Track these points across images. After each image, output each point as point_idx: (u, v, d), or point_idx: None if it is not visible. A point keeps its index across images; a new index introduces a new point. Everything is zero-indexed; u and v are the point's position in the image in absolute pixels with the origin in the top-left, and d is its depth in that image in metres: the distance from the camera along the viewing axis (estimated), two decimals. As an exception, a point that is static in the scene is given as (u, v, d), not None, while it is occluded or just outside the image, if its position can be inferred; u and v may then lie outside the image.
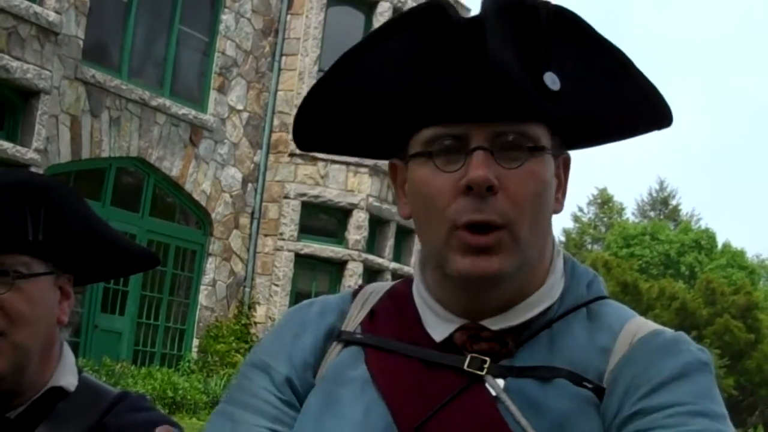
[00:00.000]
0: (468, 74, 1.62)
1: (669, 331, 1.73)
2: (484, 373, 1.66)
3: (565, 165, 1.81)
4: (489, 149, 1.62)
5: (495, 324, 1.70)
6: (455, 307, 1.73)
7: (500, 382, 1.65)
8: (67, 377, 2.21)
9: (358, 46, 1.79)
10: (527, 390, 1.64)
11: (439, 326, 1.74)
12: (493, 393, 1.64)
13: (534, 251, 1.70)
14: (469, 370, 1.67)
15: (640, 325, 1.72)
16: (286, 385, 1.78)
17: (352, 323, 1.84)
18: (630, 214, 69.58)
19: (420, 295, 1.80)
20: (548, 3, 1.71)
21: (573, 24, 1.71)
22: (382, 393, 1.69)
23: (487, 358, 1.67)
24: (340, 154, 2.02)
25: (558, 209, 1.79)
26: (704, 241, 61.35)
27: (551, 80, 1.66)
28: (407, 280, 1.89)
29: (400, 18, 1.73)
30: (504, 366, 1.67)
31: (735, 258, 61.29)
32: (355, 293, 1.92)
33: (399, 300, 1.84)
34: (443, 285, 1.75)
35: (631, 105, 1.78)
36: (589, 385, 1.63)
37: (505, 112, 1.63)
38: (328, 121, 1.85)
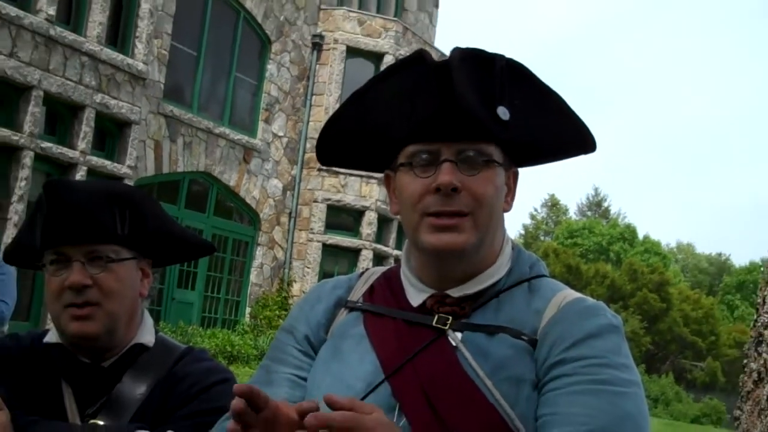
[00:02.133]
0: (439, 106, 1.75)
1: (590, 300, 1.84)
2: (447, 328, 1.79)
3: (514, 177, 1.91)
4: (454, 161, 1.77)
5: (456, 293, 1.84)
6: (428, 279, 1.87)
7: (458, 335, 1.79)
8: (147, 336, 2.31)
9: (361, 88, 1.92)
10: (477, 341, 1.77)
11: (416, 295, 1.88)
12: (453, 343, 1.77)
13: (488, 235, 1.83)
14: (437, 326, 1.80)
15: (568, 294, 1.85)
16: (305, 341, 1.94)
17: (356, 295, 1.98)
18: (572, 214, 72.92)
19: (404, 274, 1.93)
20: (503, 56, 1.84)
21: (521, 72, 1.84)
22: (373, 345, 1.83)
23: (450, 318, 1.80)
24: (348, 168, 2.10)
25: (507, 209, 1.90)
26: (627, 234, 62.44)
27: (503, 112, 1.79)
28: (398, 265, 1.99)
29: (392, 66, 1.86)
30: (462, 323, 1.80)
31: (652, 246, 62.75)
32: (362, 274, 2.06)
33: (390, 278, 1.96)
34: (419, 260, 1.89)
35: (563, 135, 1.90)
36: (525, 338, 1.75)
37: (467, 134, 1.77)
38: (340, 143, 1.97)
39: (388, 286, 1.95)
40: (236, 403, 1.50)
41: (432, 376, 1.74)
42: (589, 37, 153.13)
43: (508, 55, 1.85)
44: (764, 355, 1.87)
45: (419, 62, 1.82)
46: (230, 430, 1.52)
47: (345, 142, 1.96)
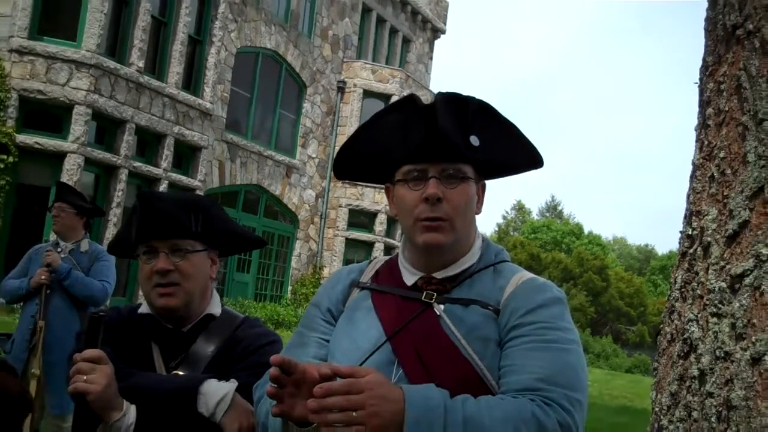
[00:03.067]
0: (426, 135, 1.74)
1: (541, 279, 1.83)
2: (432, 301, 1.77)
3: (482, 188, 1.88)
4: (438, 177, 1.75)
5: (439, 275, 1.82)
6: (418, 265, 1.85)
7: (441, 306, 1.76)
8: (215, 308, 2.29)
9: (368, 121, 1.88)
10: (455, 311, 1.75)
11: (409, 277, 1.85)
12: (437, 313, 1.75)
13: (463, 234, 1.81)
14: (425, 300, 1.78)
15: (524, 274, 1.84)
16: (328, 313, 1.91)
17: (366, 277, 1.95)
18: (535, 215, 71.31)
19: (401, 261, 1.90)
20: (474, 97, 1.82)
21: (488, 110, 1.83)
22: (378, 315, 1.82)
23: (435, 294, 1.78)
24: (357, 181, 2.02)
25: (478, 212, 1.86)
26: (576, 230, 61.57)
27: (474, 140, 1.77)
28: (396, 255, 1.96)
29: (391, 104, 1.82)
30: (444, 298, 1.78)
31: (594, 239, 62.01)
32: (370, 262, 2.02)
33: (391, 264, 1.93)
34: (413, 252, 1.86)
35: (519, 156, 1.88)
36: (491, 308, 1.74)
37: (447, 156, 1.75)
38: (352, 163, 1.93)
39: (390, 270, 1.93)
40: (273, 370, 1.55)
41: (421, 338, 1.74)
42: (550, 78, 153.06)
43: (478, 97, 1.84)
44: (675, 321, 1.88)
45: (411, 103, 1.81)
46: (269, 392, 1.57)
47: (355, 162, 1.94)
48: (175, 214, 2.18)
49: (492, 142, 1.82)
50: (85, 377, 1.90)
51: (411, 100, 1.82)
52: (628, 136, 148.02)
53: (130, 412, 1.98)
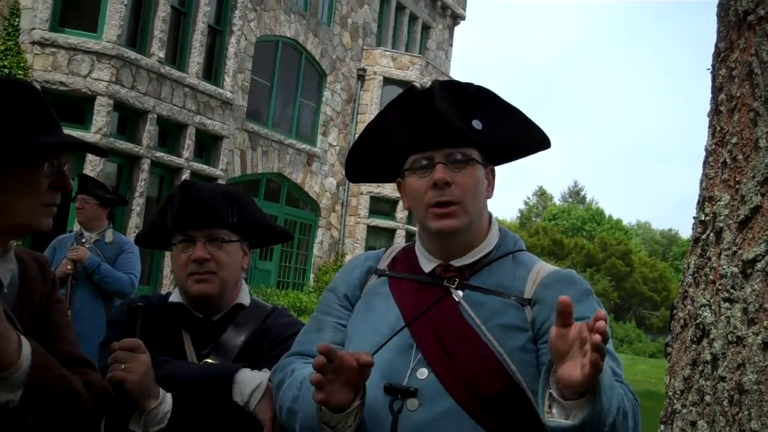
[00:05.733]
0: (427, 122, 1.76)
1: (564, 270, 1.83)
2: (453, 287, 1.79)
3: (492, 172, 1.88)
4: (444, 163, 1.76)
5: (457, 263, 1.83)
6: (435, 253, 1.86)
7: (460, 293, 1.78)
8: (245, 298, 2.30)
9: (372, 121, 1.90)
10: (475, 297, 1.77)
11: (427, 264, 1.87)
12: (456, 299, 1.77)
13: (475, 217, 1.81)
14: (445, 285, 1.80)
15: (543, 265, 1.84)
16: (345, 298, 1.93)
17: (383, 264, 1.96)
18: (557, 200, 72.12)
19: (418, 248, 1.91)
20: (472, 83, 1.83)
21: (487, 94, 1.83)
22: (396, 300, 1.83)
23: (455, 280, 1.80)
24: (369, 182, 2.03)
25: (489, 196, 1.86)
26: (597, 216, 61.36)
27: (477, 124, 1.78)
28: (413, 242, 1.96)
29: (392, 101, 1.87)
30: (462, 284, 1.79)
31: (616, 224, 61.62)
32: (386, 249, 2.03)
33: (408, 252, 1.95)
34: (429, 240, 1.87)
35: (524, 137, 1.88)
36: (513, 298, 1.75)
37: (451, 141, 1.77)
38: (361, 163, 1.96)
39: (407, 257, 1.94)
40: (319, 359, 1.56)
41: (441, 322, 1.74)
42: (570, 64, 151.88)
43: (477, 83, 1.85)
44: (688, 306, 1.89)
45: (410, 94, 1.83)
46: (315, 380, 1.58)
47: (365, 163, 1.96)
48: (213, 204, 2.20)
49: (495, 126, 1.82)
50: (123, 366, 1.92)
51: (409, 90, 1.84)
52: (651, 121, 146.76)
53: (166, 400, 2.00)
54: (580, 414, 1.43)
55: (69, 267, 5.31)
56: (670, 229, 78.88)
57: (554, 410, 1.48)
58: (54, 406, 1.54)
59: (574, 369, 1.42)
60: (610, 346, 1.66)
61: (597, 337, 1.37)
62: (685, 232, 79.26)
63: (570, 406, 1.45)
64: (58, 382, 1.56)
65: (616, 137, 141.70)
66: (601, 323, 1.38)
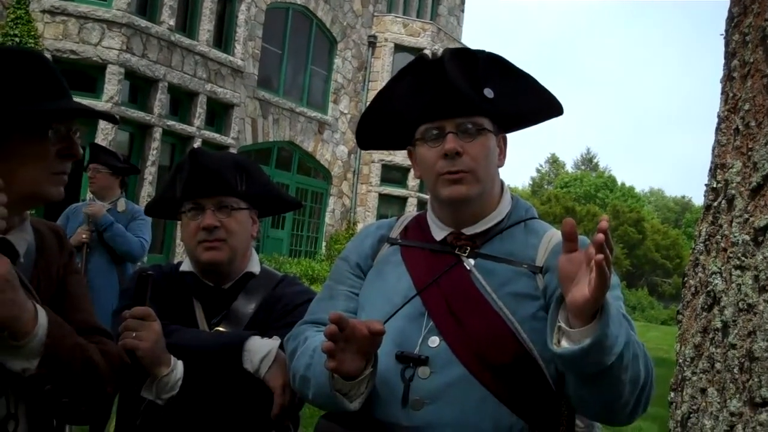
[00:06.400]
0: (437, 91, 1.75)
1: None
2: (464, 255, 1.80)
3: (503, 140, 1.87)
4: (455, 132, 1.75)
5: (469, 231, 1.82)
6: (446, 221, 1.85)
7: (471, 261, 1.78)
8: (255, 267, 2.31)
9: (382, 89, 1.89)
10: (486, 265, 1.77)
11: (438, 232, 1.87)
12: (468, 267, 1.77)
13: (487, 186, 1.80)
14: (457, 253, 1.80)
15: (554, 233, 1.81)
16: (357, 267, 1.94)
17: (395, 233, 1.96)
18: (569, 168, 71.57)
19: (429, 217, 1.92)
20: (484, 50, 1.80)
21: (499, 61, 1.81)
22: (408, 268, 1.84)
23: (467, 248, 1.81)
24: (380, 149, 2.03)
25: (501, 165, 1.85)
26: (609, 183, 61.33)
27: (488, 92, 1.76)
28: (424, 211, 1.97)
29: (402, 69, 1.86)
30: (474, 253, 1.79)
31: (628, 191, 61.62)
32: (398, 218, 2.03)
33: (419, 220, 1.95)
34: (439, 207, 1.87)
35: (537, 104, 1.85)
36: (525, 266, 1.75)
37: (463, 111, 1.75)
38: (372, 131, 1.95)
39: (418, 226, 1.93)
40: (331, 327, 1.57)
41: (452, 290, 1.75)
42: (583, 32, 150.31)
43: (488, 50, 1.83)
44: (699, 274, 1.89)
45: (420, 62, 1.81)
46: (327, 348, 1.58)
47: (376, 131, 1.95)
48: (222, 172, 2.20)
49: (507, 93, 1.80)
50: (134, 334, 1.94)
51: (419, 59, 1.82)
52: (665, 87, 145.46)
53: (177, 368, 2.01)
54: (587, 339, 1.44)
55: (84, 236, 5.35)
56: (683, 196, 78.70)
57: (563, 342, 1.50)
58: (70, 374, 1.55)
59: (582, 289, 1.43)
60: (623, 310, 1.65)
61: (600, 236, 1.38)
62: (699, 199, 78.65)
63: (577, 333, 1.46)
64: (74, 351, 1.56)
65: (630, 104, 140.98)
66: (603, 223, 1.40)
